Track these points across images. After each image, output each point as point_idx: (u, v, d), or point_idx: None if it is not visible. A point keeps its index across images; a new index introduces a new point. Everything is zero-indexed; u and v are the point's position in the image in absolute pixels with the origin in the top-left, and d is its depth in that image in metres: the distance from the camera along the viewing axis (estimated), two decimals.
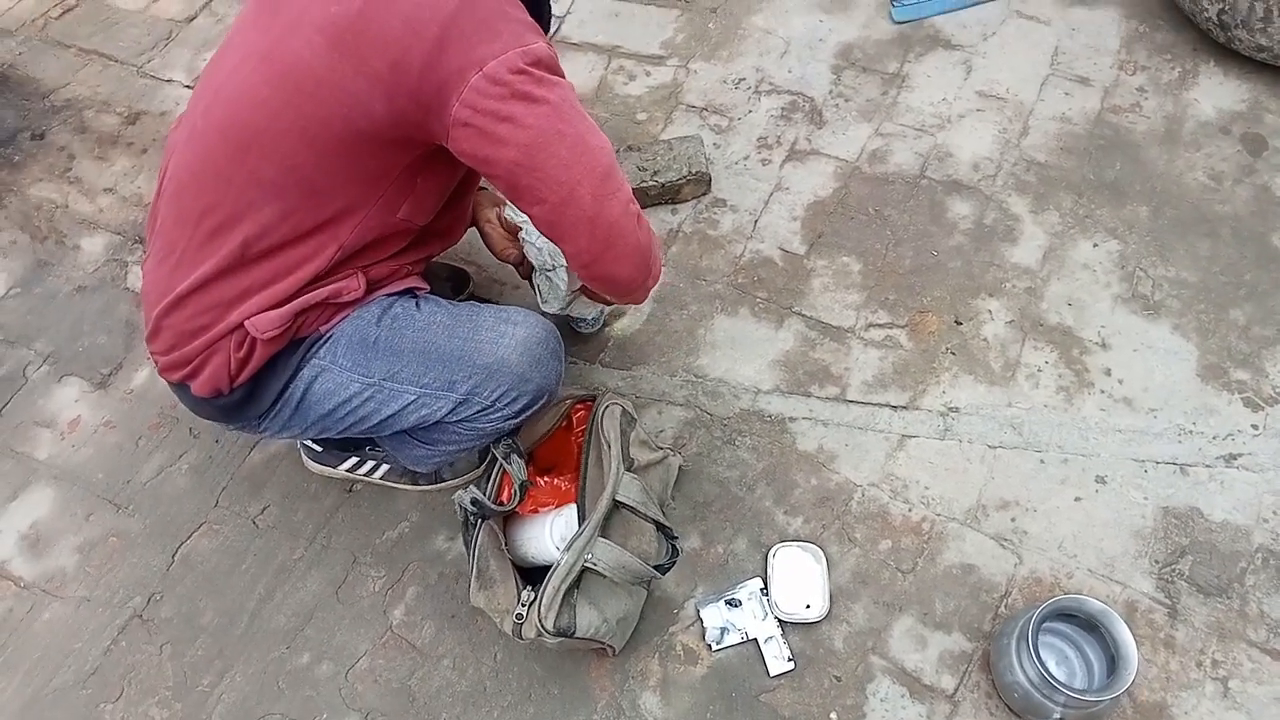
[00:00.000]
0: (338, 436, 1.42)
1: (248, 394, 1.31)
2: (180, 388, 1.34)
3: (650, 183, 1.99)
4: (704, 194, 2.05)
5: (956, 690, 1.47)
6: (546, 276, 1.61)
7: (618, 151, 2.05)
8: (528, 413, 1.41)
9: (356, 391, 1.32)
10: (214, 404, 1.33)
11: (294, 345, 1.30)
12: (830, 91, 2.20)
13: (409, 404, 1.33)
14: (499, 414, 1.37)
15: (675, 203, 2.04)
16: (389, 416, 1.34)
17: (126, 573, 1.64)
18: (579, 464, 1.47)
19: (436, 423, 1.37)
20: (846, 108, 2.17)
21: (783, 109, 2.18)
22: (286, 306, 1.24)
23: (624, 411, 1.51)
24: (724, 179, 2.08)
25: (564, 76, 1.17)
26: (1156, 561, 1.56)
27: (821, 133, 2.14)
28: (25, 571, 1.66)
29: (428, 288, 1.43)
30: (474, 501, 1.37)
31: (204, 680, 1.53)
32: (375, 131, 1.16)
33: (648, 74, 2.28)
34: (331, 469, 1.66)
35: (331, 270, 1.27)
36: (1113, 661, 1.35)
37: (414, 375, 1.32)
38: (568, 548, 1.35)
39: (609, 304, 1.67)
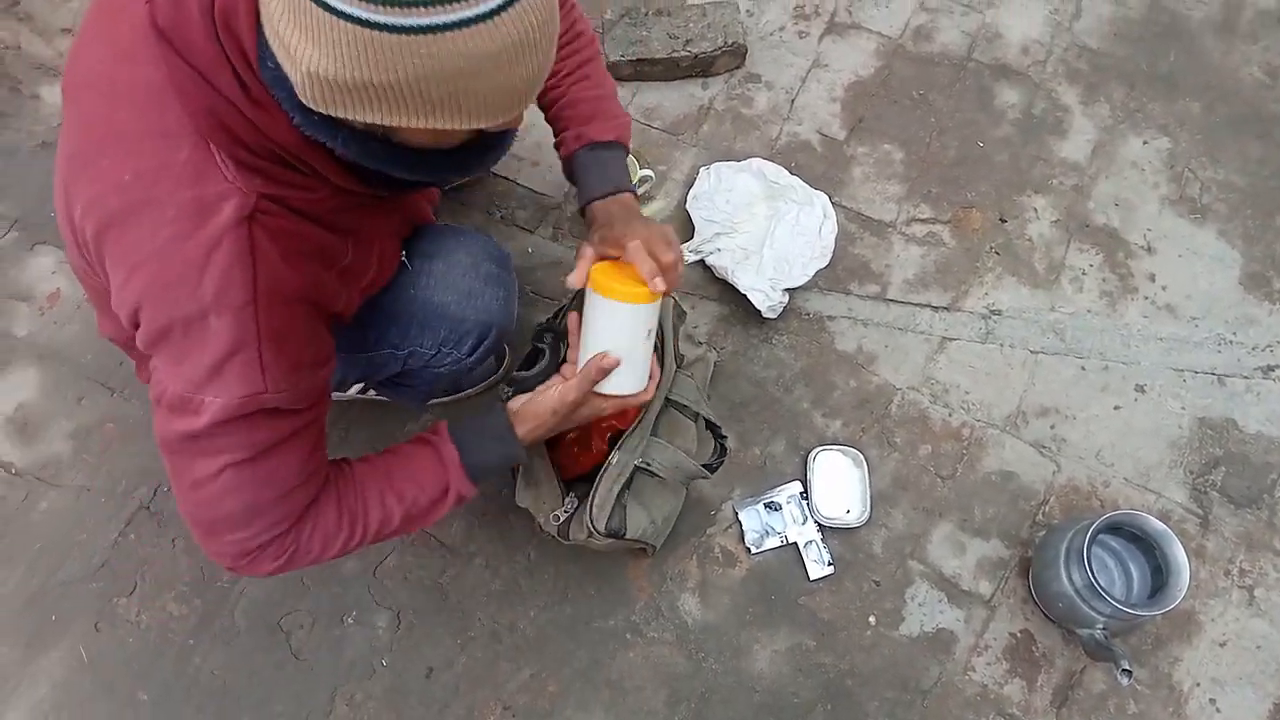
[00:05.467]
0: None
1: None
2: None
3: (682, 53, 1.83)
4: (737, 67, 1.90)
5: (993, 596, 1.48)
6: None
7: (645, 15, 1.87)
8: (482, 349, 1.25)
9: None
10: None
11: None
12: None
13: (364, 368, 1.25)
14: (450, 359, 1.24)
15: (707, 75, 1.89)
16: (358, 378, 1.29)
17: (128, 462, 1.54)
18: None
19: (400, 373, 1.28)
20: None
21: None
22: None
23: (675, 304, 1.43)
24: (758, 51, 1.92)
25: (242, 437, 0.89)
26: (1191, 472, 1.57)
27: (863, 4, 1.98)
28: (16, 458, 1.55)
29: None
30: (511, 382, 1.26)
31: (223, 576, 1.46)
32: None
33: None
34: (340, 392, 1.54)
35: None
36: (1155, 574, 1.37)
37: (356, 344, 1.19)
38: (619, 447, 1.29)
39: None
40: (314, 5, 0.69)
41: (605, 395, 1.09)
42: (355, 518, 0.99)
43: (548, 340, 1.29)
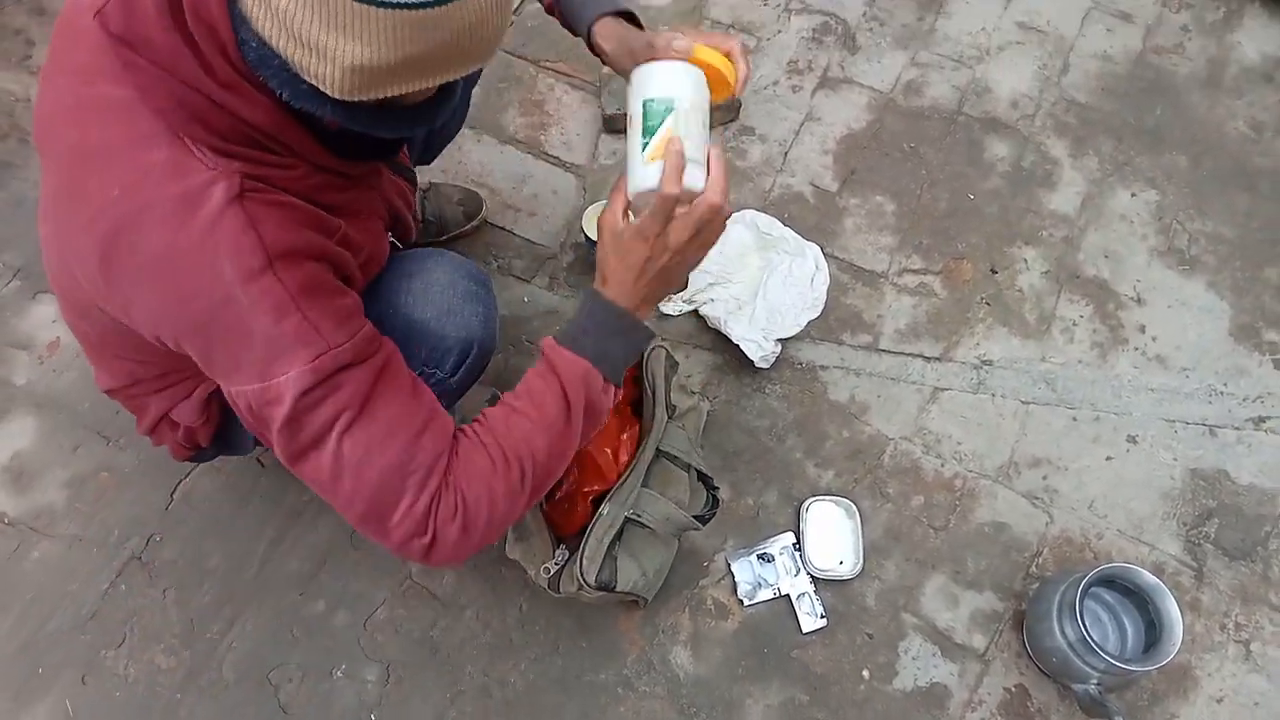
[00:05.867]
0: None
1: (222, 447, 1.27)
2: None
3: None
4: (732, 120, 1.93)
5: (987, 649, 1.47)
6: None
7: None
8: (464, 368, 1.23)
9: None
10: (198, 460, 1.31)
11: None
12: (864, 14, 2.07)
13: None
14: (433, 380, 1.21)
15: None
16: None
17: (122, 511, 1.54)
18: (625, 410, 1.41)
19: None
20: (881, 33, 2.05)
21: (814, 31, 2.05)
22: (194, 396, 1.18)
23: (667, 355, 1.44)
24: (752, 105, 1.96)
25: (338, 394, 0.87)
26: (1184, 524, 1.56)
27: (855, 59, 2.02)
28: (9, 507, 1.55)
29: None
30: None
31: (213, 627, 1.46)
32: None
33: None
34: None
35: None
36: (1150, 628, 1.36)
37: None
38: (609, 498, 1.29)
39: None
40: (358, 4, 0.72)
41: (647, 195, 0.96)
42: (501, 448, 0.94)
43: None
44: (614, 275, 0.99)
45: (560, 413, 0.97)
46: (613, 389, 1.02)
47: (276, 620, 1.47)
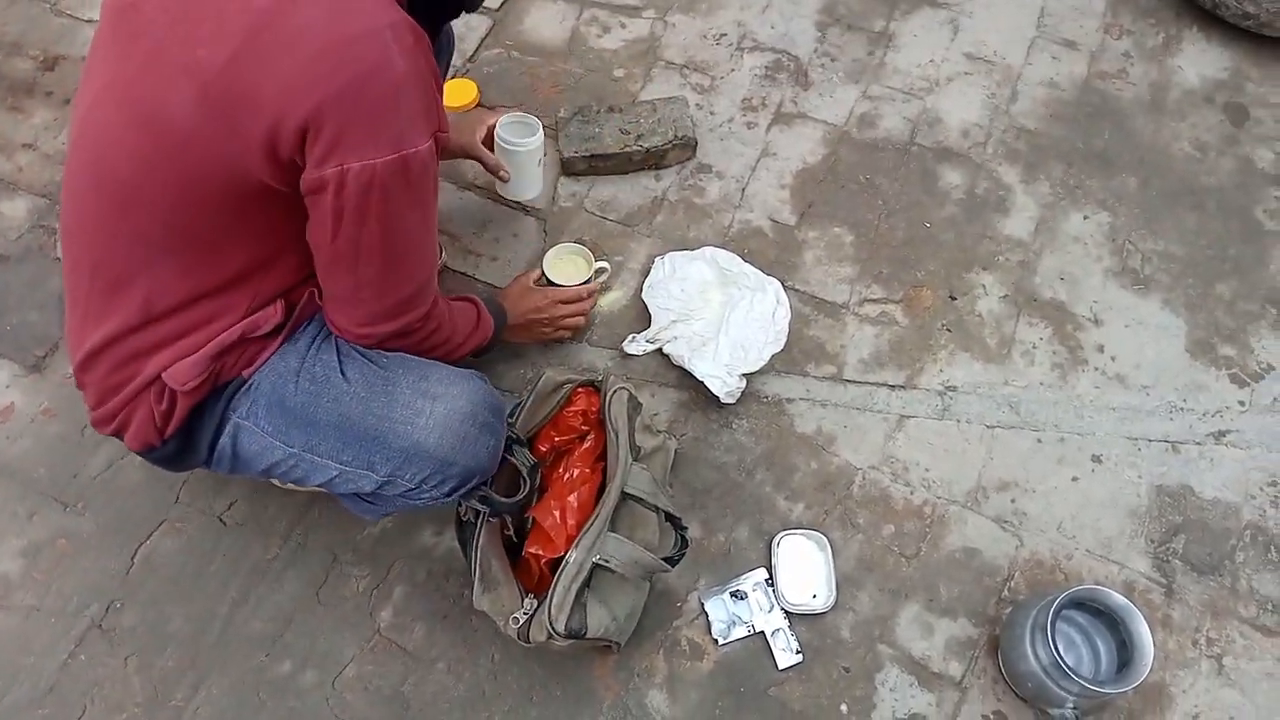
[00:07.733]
0: None
1: (181, 446, 1.22)
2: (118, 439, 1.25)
3: (634, 147, 1.88)
4: (689, 159, 1.95)
5: (964, 677, 1.46)
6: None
7: (597, 112, 1.93)
8: (461, 491, 1.26)
9: (282, 458, 1.22)
10: (151, 456, 1.24)
11: (217, 393, 1.19)
12: (815, 50, 2.11)
13: (334, 477, 1.23)
14: (427, 494, 1.24)
15: (659, 168, 1.94)
16: (322, 483, 1.25)
17: (80, 578, 1.51)
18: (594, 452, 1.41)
19: (371, 492, 1.27)
20: (833, 68, 2.09)
21: (767, 68, 2.09)
22: (201, 351, 1.14)
23: (630, 396, 1.44)
24: (709, 143, 1.98)
25: (432, 182, 1.14)
26: (1152, 541, 1.57)
27: (808, 95, 2.05)
28: None
29: None
30: (483, 499, 1.27)
31: (176, 694, 1.42)
32: (265, 189, 1.04)
33: (623, 26, 2.15)
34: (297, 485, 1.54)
35: (248, 314, 1.17)
36: (1122, 648, 1.36)
37: (332, 451, 1.20)
38: (576, 544, 1.28)
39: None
40: None
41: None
42: (445, 331, 1.30)
43: (526, 465, 1.30)
44: (515, 309, 1.57)
45: (470, 335, 1.39)
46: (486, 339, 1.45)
47: (242, 683, 1.43)
